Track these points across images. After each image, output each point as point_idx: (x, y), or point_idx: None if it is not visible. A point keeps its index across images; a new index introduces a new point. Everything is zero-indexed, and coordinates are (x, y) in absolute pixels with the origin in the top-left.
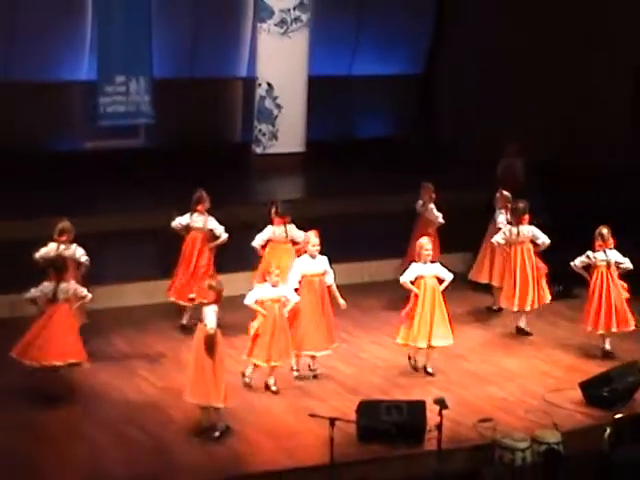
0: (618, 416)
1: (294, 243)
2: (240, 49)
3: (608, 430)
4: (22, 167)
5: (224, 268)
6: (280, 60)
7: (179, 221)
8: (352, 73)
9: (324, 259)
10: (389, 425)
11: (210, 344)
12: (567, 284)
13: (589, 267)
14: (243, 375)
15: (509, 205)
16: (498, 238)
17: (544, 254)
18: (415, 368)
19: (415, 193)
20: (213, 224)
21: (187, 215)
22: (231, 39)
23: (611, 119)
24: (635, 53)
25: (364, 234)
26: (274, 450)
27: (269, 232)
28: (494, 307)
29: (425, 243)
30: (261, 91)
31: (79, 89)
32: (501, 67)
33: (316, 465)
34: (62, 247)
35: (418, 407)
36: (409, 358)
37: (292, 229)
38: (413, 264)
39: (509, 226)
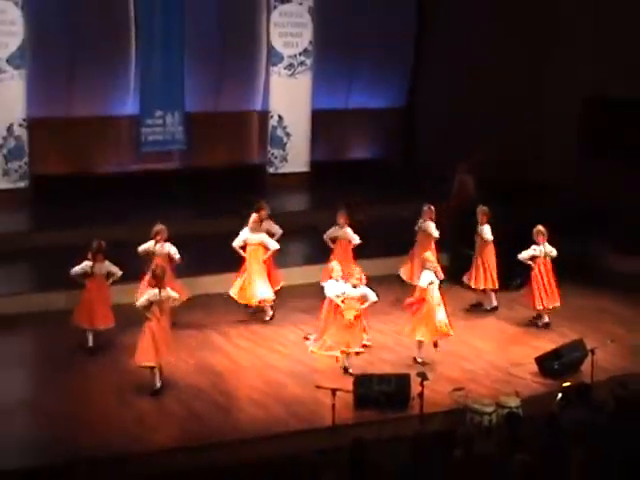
0: (566, 384)
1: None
2: (256, 87)
3: (558, 396)
4: (80, 186)
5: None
6: (288, 96)
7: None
8: (348, 107)
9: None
10: (380, 394)
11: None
12: (525, 277)
13: (532, 258)
14: (344, 368)
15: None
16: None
17: (504, 255)
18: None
19: (397, 205)
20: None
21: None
22: (248, 79)
23: (561, 145)
24: (583, 86)
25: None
26: (286, 415)
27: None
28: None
29: (429, 256)
30: (273, 122)
31: (125, 122)
32: (469, 100)
33: (320, 427)
34: (158, 245)
35: (404, 379)
36: (435, 345)
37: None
38: (426, 272)
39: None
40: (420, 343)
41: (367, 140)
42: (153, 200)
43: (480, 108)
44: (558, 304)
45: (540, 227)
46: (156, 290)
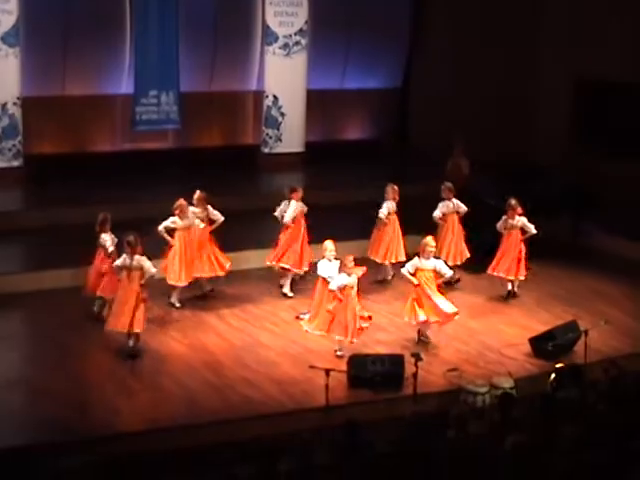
0: (559, 365)
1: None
2: (251, 67)
3: (551, 377)
4: (74, 165)
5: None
6: (284, 76)
7: None
8: (343, 87)
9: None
10: (374, 374)
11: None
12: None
13: (505, 229)
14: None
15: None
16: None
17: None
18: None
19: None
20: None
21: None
22: (243, 59)
23: (553, 128)
24: (574, 70)
25: (355, 218)
26: (279, 395)
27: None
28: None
29: (430, 241)
30: (268, 102)
31: (119, 101)
32: (463, 82)
33: (314, 407)
34: (178, 219)
35: (398, 360)
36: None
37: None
38: (416, 259)
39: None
40: (423, 324)
41: (362, 121)
42: (147, 179)
43: (474, 89)
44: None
45: (513, 200)
46: (126, 256)
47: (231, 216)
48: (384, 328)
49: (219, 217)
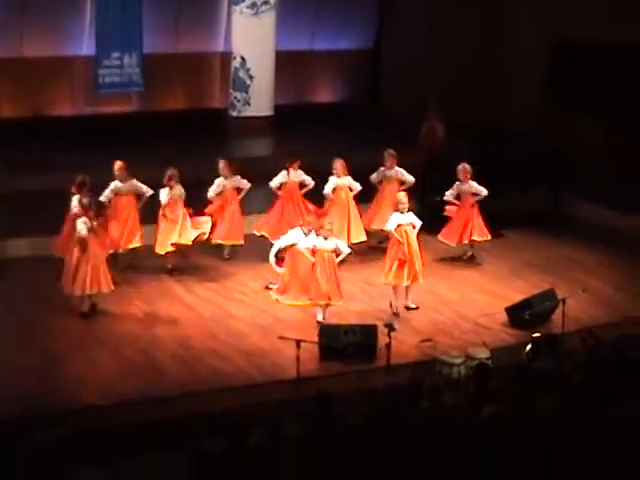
0: (536, 335)
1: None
2: (217, 28)
3: (528, 347)
4: (33, 130)
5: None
6: (252, 37)
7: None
8: (314, 48)
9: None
10: (346, 345)
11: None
12: (495, 225)
13: (457, 196)
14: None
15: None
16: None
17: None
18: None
19: (361, 150)
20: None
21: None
22: (209, 19)
23: (526, 94)
24: (550, 32)
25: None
26: (248, 366)
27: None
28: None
29: (402, 197)
30: (236, 64)
31: (80, 62)
32: (438, 44)
33: (284, 379)
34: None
35: (370, 330)
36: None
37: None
38: (395, 214)
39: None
40: (395, 288)
41: (334, 83)
42: (109, 144)
43: (449, 52)
44: (487, 237)
45: (466, 165)
46: (83, 219)
47: (198, 183)
48: (356, 297)
49: (246, 184)
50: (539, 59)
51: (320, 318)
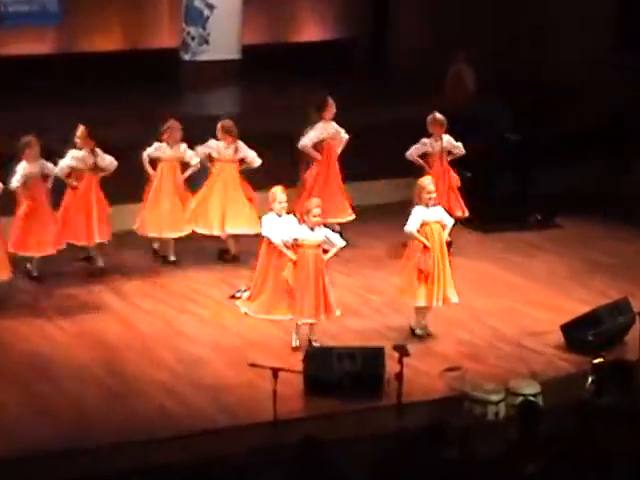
0: (600, 361)
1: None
2: None
3: (591, 378)
4: None
5: None
6: None
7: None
8: None
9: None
10: (341, 376)
11: None
12: (547, 212)
13: (425, 155)
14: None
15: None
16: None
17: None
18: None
19: (360, 104)
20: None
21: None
22: None
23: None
24: None
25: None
26: (208, 405)
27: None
28: None
29: (428, 182)
30: None
31: None
32: None
33: (257, 422)
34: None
35: (375, 355)
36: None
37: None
38: (417, 208)
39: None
40: (420, 309)
41: (321, 18)
42: (14, 97)
43: None
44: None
45: (437, 114)
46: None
47: (133, 151)
48: (356, 310)
49: (254, 159)
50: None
51: (296, 343)
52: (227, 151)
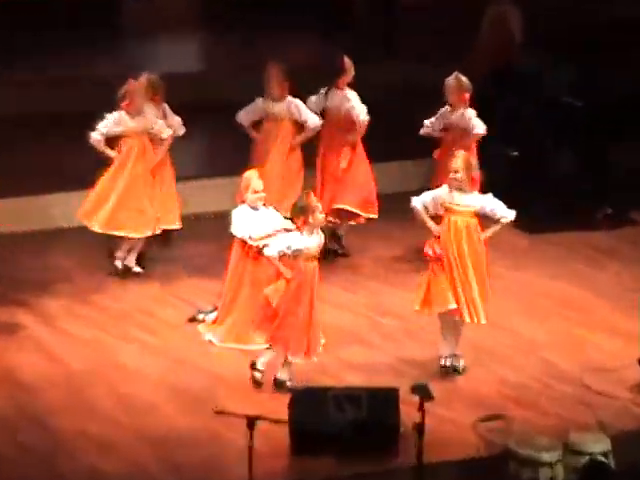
0: None
1: None
2: None
3: None
4: None
5: None
6: None
7: None
8: None
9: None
10: (340, 427)
11: None
12: (619, 206)
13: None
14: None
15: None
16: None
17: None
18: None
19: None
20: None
21: None
22: None
23: None
24: None
25: None
26: (159, 467)
27: None
28: None
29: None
30: None
31: None
32: None
33: None
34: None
35: (386, 398)
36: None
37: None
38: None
39: None
40: (449, 328)
41: None
42: None
43: None
44: None
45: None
46: None
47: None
48: (361, 337)
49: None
50: None
51: (284, 377)
52: None
